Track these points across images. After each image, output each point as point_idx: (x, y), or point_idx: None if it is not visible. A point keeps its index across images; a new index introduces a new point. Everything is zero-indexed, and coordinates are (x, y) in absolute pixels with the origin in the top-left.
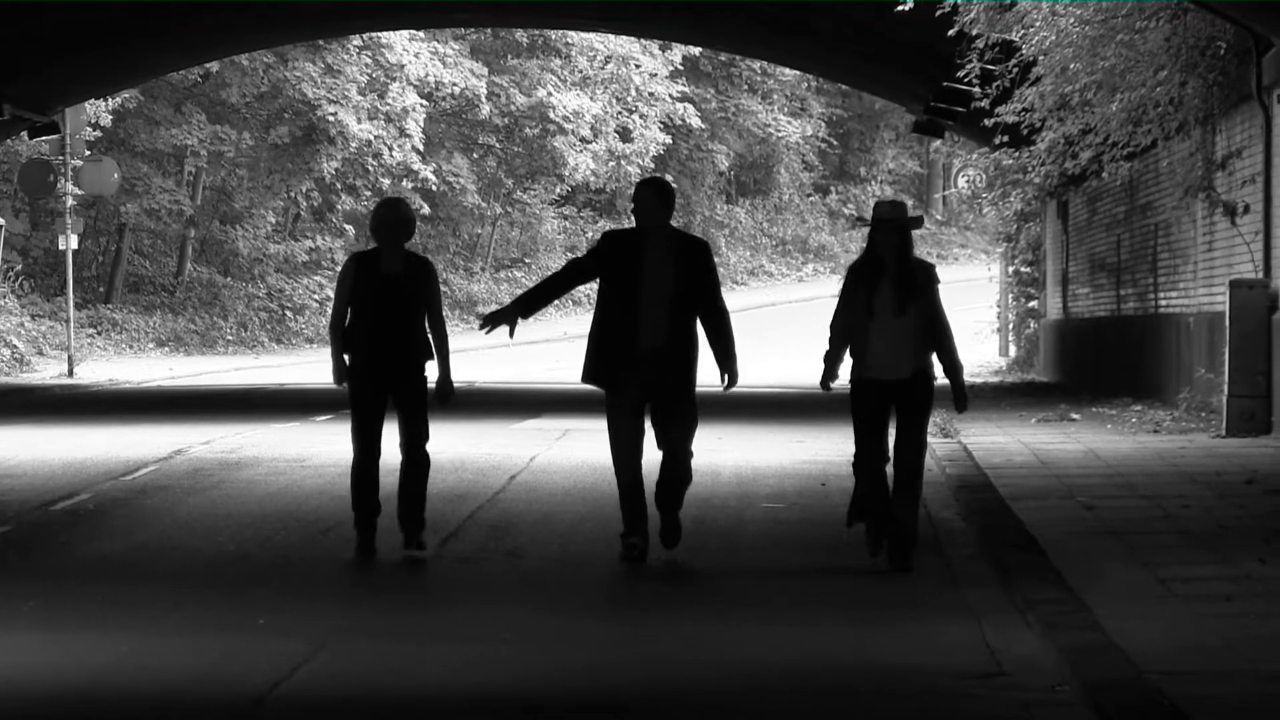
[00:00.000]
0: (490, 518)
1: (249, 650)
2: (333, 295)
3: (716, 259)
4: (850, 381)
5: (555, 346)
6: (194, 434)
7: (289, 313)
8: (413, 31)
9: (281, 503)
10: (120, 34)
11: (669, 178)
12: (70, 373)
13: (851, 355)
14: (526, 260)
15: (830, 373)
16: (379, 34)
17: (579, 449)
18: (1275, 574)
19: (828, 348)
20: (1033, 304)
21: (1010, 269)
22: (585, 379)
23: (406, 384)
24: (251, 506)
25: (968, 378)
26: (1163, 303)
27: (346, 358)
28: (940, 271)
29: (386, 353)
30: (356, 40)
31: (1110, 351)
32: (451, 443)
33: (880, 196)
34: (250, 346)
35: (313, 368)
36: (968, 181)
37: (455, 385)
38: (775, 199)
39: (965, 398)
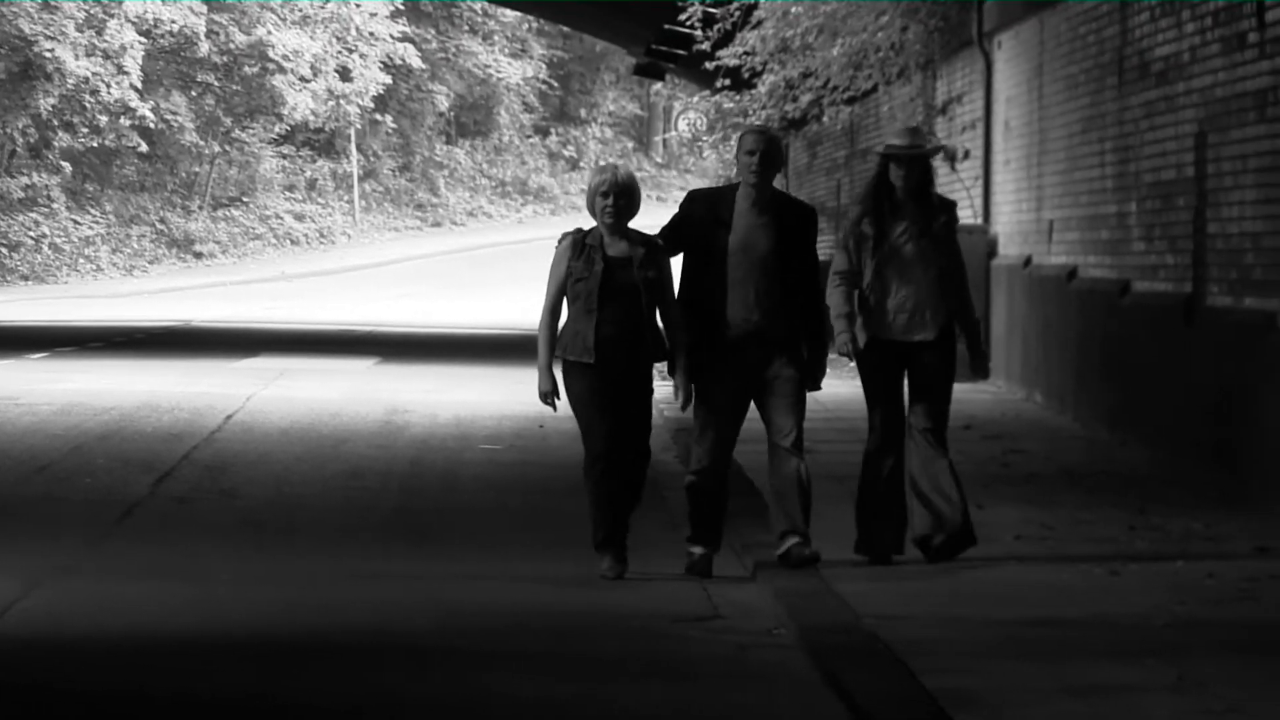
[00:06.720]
0: (206, 457)
1: None
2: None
3: (435, 200)
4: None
5: (273, 286)
6: None
7: (4, 249)
8: None
9: None
10: None
11: (389, 119)
12: None
13: (861, 312)
14: (244, 199)
15: (853, 334)
16: None
17: (296, 389)
18: (994, 519)
19: (841, 305)
20: None
21: None
22: None
23: (632, 385)
24: None
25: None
26: None
27: (560, 361)
28: (661, 214)
29: (612, 351)
30: None
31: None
32: (167, 382)
33: (903, 125)
34: None
35: (28, 305)
36: (688, 124)
37: (175, 325)
38: (495, 140)
39: (986, 358)
